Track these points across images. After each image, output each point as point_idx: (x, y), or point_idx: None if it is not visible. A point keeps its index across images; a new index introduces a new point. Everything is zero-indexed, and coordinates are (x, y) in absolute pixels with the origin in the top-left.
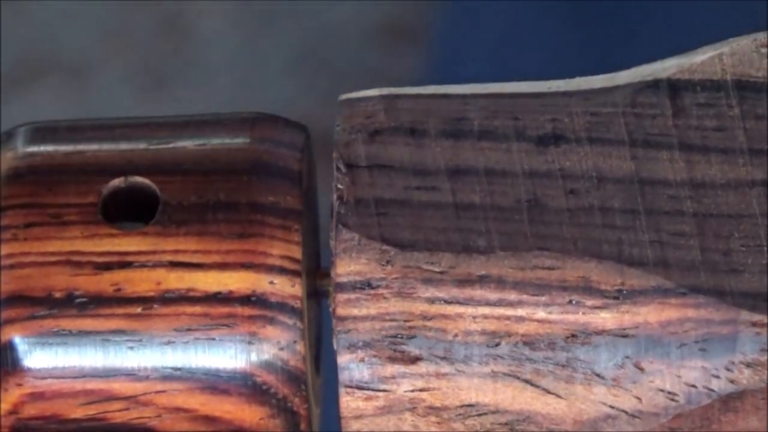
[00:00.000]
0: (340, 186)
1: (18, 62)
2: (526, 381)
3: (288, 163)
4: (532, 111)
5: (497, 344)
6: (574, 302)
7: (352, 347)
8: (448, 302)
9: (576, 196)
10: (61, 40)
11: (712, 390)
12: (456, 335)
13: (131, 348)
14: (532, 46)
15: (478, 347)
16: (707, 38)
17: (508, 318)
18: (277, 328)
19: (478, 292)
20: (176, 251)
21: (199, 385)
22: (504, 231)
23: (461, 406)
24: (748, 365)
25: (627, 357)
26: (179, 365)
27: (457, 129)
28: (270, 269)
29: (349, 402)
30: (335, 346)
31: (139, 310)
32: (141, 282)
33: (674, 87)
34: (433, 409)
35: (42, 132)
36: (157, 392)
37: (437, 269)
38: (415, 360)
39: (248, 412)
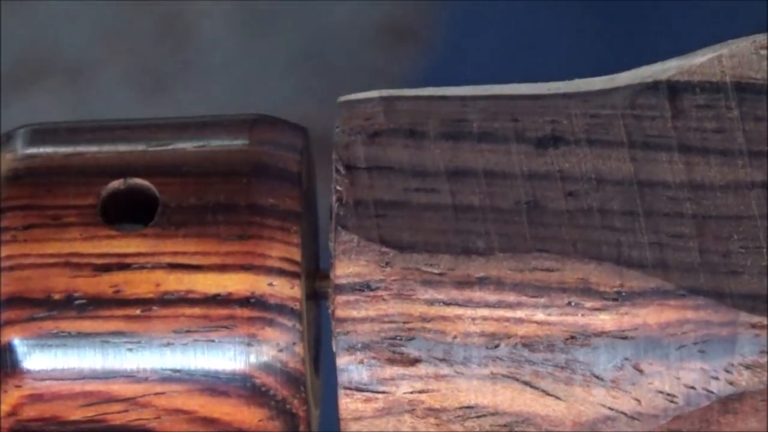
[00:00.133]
0: (339, 188)
1: (17, 63)
2: (525, 383)
3: (287, 164)
4: (532, 113)
5: (496, 346)
6: (573, 304)
7: (351, 349)
8: (447, 304)
9: (575, 197)
10: (60, 42)
11: (711, 392)
12: (455, 337)
13: (130, 350)
14: (537, 46)
15: (478, 349)
16: (717, 38)
17: (507, 320)
18: (276, 329)
19: (477, 294)
20: (175, 253)
21: (199, 387)
22: (503, 233)
23: (460, 408)
24: (748, 367)
25: (626, 359)
26: (178, 367)
27: (456, 131)
28: (269, 271)
29: (348, 404)
30: (334, 348)
31: (138, 311)
32: (140, 284)
33: (674, 89)
34: (432, 411)
35: (41, 134)
36: (157, 394)
37: (436, 271)
38: (414, 362)
39: (247, 414)
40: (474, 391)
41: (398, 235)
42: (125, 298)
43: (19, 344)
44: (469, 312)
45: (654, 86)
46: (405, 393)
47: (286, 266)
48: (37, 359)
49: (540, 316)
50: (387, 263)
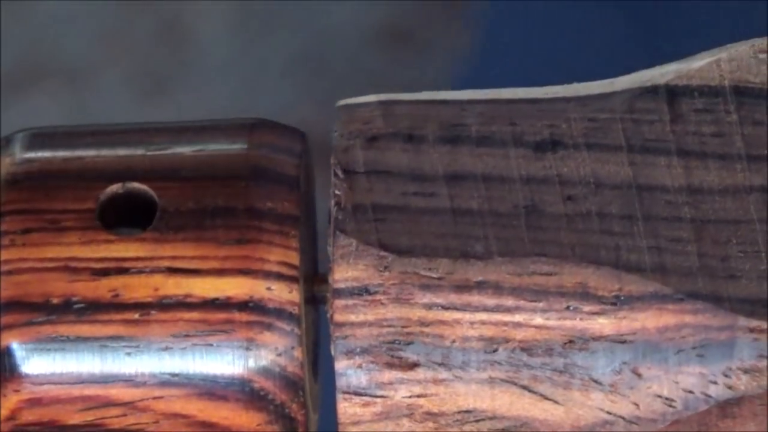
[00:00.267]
0: (337, 192)
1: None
2: (524, 387)
3: (286, 168)
4: (530, 117)
5: (495, 350)
6: (571, 308)
7: (349, 353)
8: (445, 308)
9: (574, 201)
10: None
11: (710, 396)
12: (453, 341)
13: (129, 354)
14: (573, 43)
15: (476, 353)
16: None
17: (505, 324)
18: (274, 334)
19: (475, 298)
20: (174, 257)
21: (197, 391)
22: (502, 237)
23: (459, 412)
24: (746, 371)
25: (624, 363)
26: (177, 371)
27: (454, 135)
28: (267, 275)
29: (346, 408)
30: (333, 352)
31: (136, 316)
32: (139, 288)
33: (672, 93)
34: (430, 415)
35: (40, 138)
36: (155, 398)
37: (435, 275)
38: (412, 366)
39: (246, 418)
40: (472, 396)
41: (397, 240)
42: (124, 303)
43: (18, 348)
44: (467, 316)
45: (653, 90)
46: (403, 397)
47: (284, 270)
48: (36, 363)
49: (538, 320)
50: (385, 267)
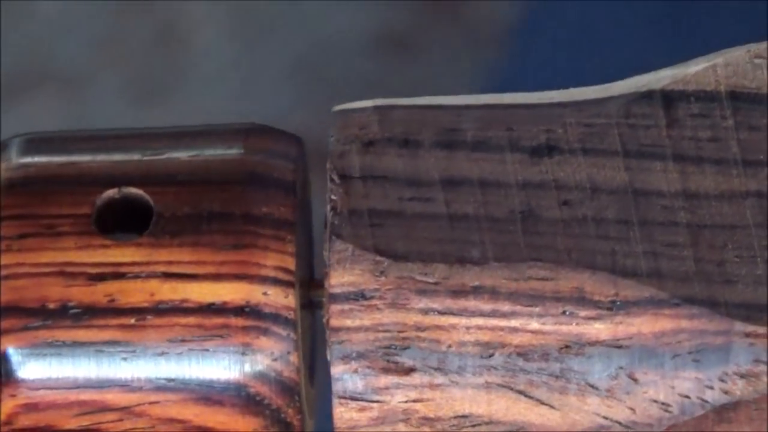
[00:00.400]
0: (333, 197)
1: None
2: (520, 392)
3: (282, 174)
4: (526, 122)
5: (491, 355)
6: (567, 313)
7: (345, 358)
8: (441, 313)
9: (570, 206)
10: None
11: (706, 401)
12: (450, 346)
13: (125, 359)
14: (613, 44)
15: (472, 358)
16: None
17: (501, 329)
18: (270, 339)
19: (471, 303)
20: (170, 262)
21: (193, 396)
22: (498, 242)
23: (455, 417)
24: (742, 376)
25: (621, 368)
26: (173, 376)
27: (451, 140)
28: (264, 280)
29: (342, 413)
30: (329, 357)
31: (132, 321)
32: (135, 293)
33: (668, 98)
34: (426, 420)
35: (36, 143)
36: (151, 403)
37: (431, 280)
38: (408, 371)
39: (242, 423)
40: (469, 401)
41: (393, 245)
42: (120, 308)
43: (14, 353)
44: (463, 321)
45: (648, 95)
46: (399, 402)
47: (280, 275)
48: (32, 368)
49: (534, 325)
50: (381, 272)
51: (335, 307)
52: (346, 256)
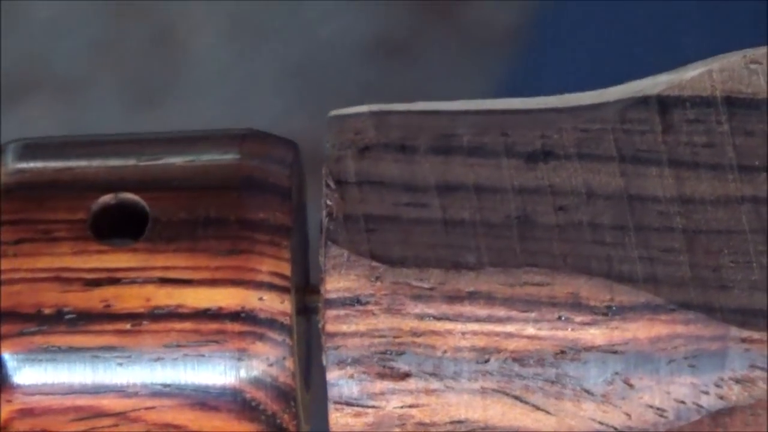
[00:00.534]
0: (329, 202)
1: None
2: (516, 397)
3: (278, 179)
4: (522, 127)
5: (486, 360)
6: (563, 318)
7: (341, 363)
8: (437, 318)
9: (565, 212)
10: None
11: (702, 406)
12: (445, 351)
13: (120, 364)
14: (611, 49)
15: (468, 363)
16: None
17: (497, 334)
18: (266, 344)
19: (467, 309)
20: (166, 267)
21: (189, 402)
22: (493, 247)
23: (450, 423)
24: (738, 381)
25: (616, 373)
26: (168, 382)
27: (446, 145)
28: (259, 285)
29: (338, 418)
30: (324, 362)
31: (128, 326)
32: (130, 298)
33: (664, 103)
34: (422, 426)
35: (32, 148)
36: (147, 408)
37: (426, 285)
38: (404, 376)
39: (238, 429)
40: (464, 406)
41: (388, 250)
42: (115, 313)
43: (10, 359)
44: (459, 326)
45: (644, 101)
46: (395, 407)
47: (276, 281)
48: (28, 374)
49: (530, 330)
50: (377, 278)
51: (331, 313)
52: (341, 261)
